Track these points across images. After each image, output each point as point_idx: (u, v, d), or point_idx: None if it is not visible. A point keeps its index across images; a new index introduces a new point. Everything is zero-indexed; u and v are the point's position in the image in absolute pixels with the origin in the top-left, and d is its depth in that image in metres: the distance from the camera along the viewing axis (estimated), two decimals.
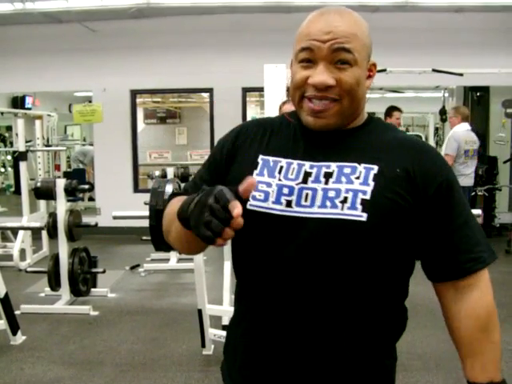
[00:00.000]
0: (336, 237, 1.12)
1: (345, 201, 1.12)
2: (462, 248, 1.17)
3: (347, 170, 1.15)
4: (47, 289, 4.95)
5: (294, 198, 1.15)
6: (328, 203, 1.13)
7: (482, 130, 8.17)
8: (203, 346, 3.74)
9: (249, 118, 8.05)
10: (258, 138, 1.27)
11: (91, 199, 9.15)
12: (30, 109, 10.79)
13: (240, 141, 1.28)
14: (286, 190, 1.16)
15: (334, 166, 1.16)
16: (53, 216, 4.80)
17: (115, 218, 3.54)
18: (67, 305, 4.75)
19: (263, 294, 1.20)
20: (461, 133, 6.11)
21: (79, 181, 5.24)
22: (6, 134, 12.55)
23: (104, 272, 5.03)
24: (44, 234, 6.27)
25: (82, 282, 4.87)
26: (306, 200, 1.15)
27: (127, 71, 7.77)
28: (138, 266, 6.19)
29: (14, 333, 3.96)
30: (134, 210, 4.13)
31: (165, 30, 7.59)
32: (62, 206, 4.75)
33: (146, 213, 3.40)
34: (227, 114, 7.62)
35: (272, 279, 1.17)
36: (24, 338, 4.05)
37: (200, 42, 7.56)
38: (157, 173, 6.26)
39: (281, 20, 7.12)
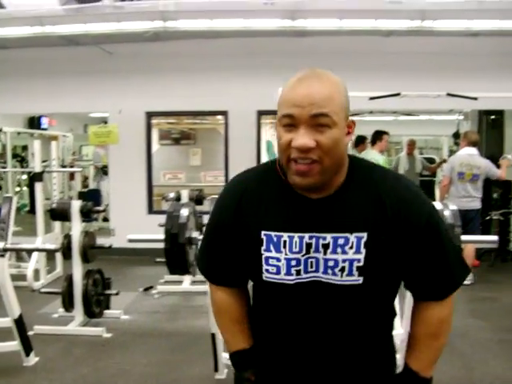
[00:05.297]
0: (338, 296, 1.37)
1: (343, 270, 1.34)
2: (441, 279, 1.41)
3: (341, 241, 1.34)
4: (61, 310, 4.97)
5: (301, 267, 1.36)
6: (329, 271, 1.35)
7: (496, 153, 8.14)
8: (216, 370, 3.72)
9: (263, 141, 8.08)
10: (255, 209, 1.42)
11: (105, 220, 9.18)
12: (46, 129, 10.90)
13: (239, 213, 1.43)
14: (293, 262, 1.36)
15: (329, 238, 1.34)
16: (68, 238, 4.82)
17: (130, 241, 3.54)
18: (80, 326, 4.75)
19: (281, 344, 1.47)
20: (458, 156, 6.30)
21: (94, 202, 5.28)
22: (23, 154, 12.66)
23: (117, 294, 5.04)
24: (58, 254, 6.30)
25: (96, 303, 4.87)
26: (311, 266, 1.36)
27: (143, 93, 7.82)
28: (151, 287, 6.19)
29: (27, 354, 3.97)
30: (148, 231, 4.12)
31: (180, 52, 7.65)
32: (77, 227, 4.78)
33: (161, 235, 3.40)
34: (242, 136, 7.67)
35: (290, 333, 1.43)
36: (37, 359, 4.06)
37: (215, 65, 7.62)
38: (171, 195, 6.26)
39: (295, 44, 7.19)
